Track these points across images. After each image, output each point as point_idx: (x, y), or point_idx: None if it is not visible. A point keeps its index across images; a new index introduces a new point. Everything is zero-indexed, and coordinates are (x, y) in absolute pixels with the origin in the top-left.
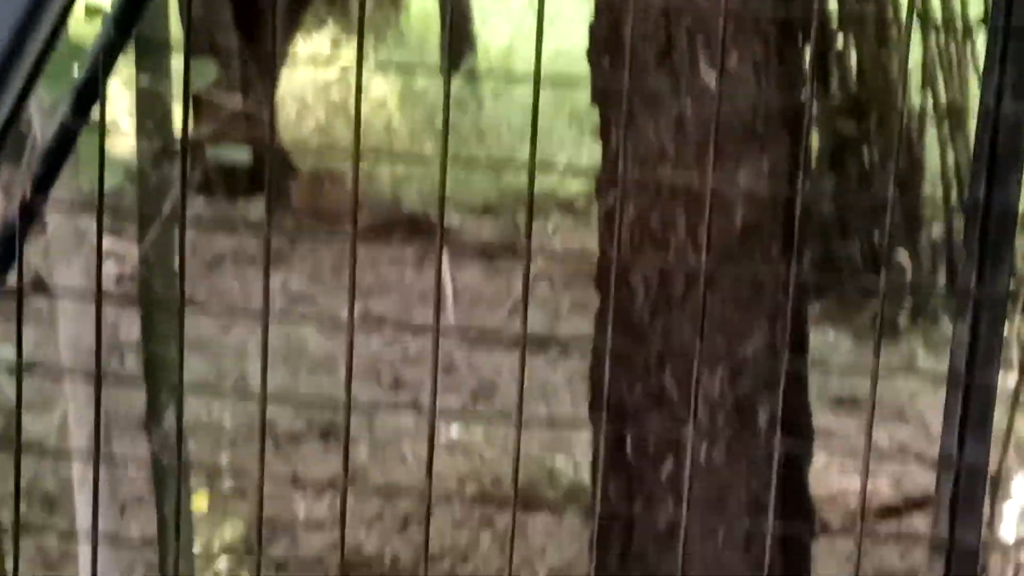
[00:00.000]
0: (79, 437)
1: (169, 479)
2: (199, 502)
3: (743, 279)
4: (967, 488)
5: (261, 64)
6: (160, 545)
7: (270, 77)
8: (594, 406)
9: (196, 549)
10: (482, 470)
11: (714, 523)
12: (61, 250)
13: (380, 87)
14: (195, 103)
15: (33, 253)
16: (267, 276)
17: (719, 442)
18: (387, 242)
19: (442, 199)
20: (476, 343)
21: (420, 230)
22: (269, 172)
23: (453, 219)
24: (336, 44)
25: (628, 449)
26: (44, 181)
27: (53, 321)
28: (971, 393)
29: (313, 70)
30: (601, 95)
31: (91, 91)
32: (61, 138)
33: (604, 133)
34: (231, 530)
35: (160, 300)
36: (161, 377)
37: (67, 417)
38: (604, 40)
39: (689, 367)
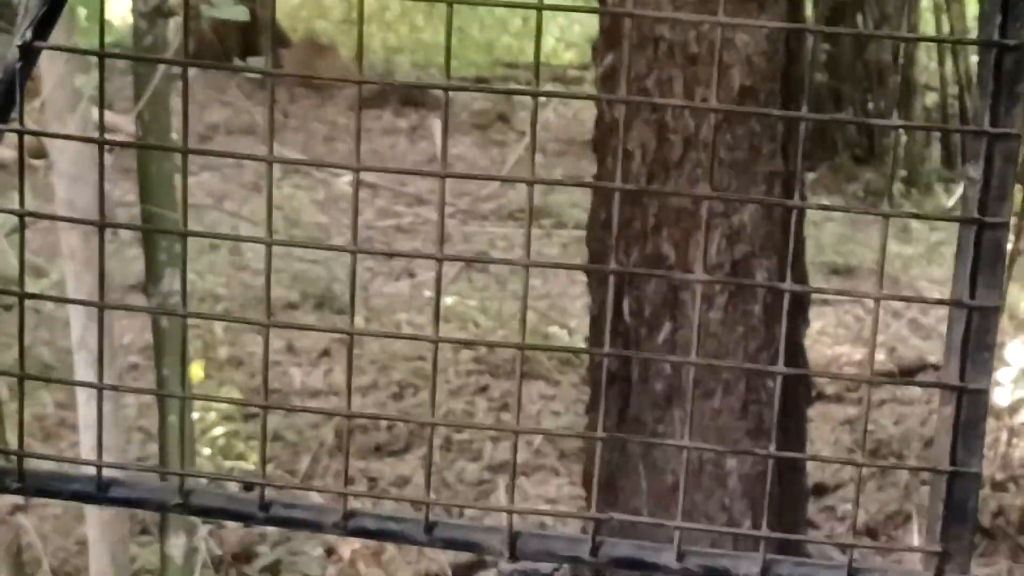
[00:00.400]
0: (77, 297)
1: (168, 342)
2: (195, 371)
3: (740, 142)
4: (979, 330)
5: None
6: (160, 408)
7: None
8: (592, 272)
9: (194, 416)
10: (475, 337)
11: (712, 386)
12: (57, 111)
13: None
14: None
15: (28, 114)
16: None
17: (716, 305)
18: (380, 111)
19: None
20: (469, 214)
21: (412, 101)
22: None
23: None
24: None
25: (625, 314)
26: (45, 22)
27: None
28: (983, 233)
29: None
30: None
31: None
32: None
33: None
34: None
35: (156, 164)
36: (159, 239)
37: (65, 280)
38: None
39: (686, 231)
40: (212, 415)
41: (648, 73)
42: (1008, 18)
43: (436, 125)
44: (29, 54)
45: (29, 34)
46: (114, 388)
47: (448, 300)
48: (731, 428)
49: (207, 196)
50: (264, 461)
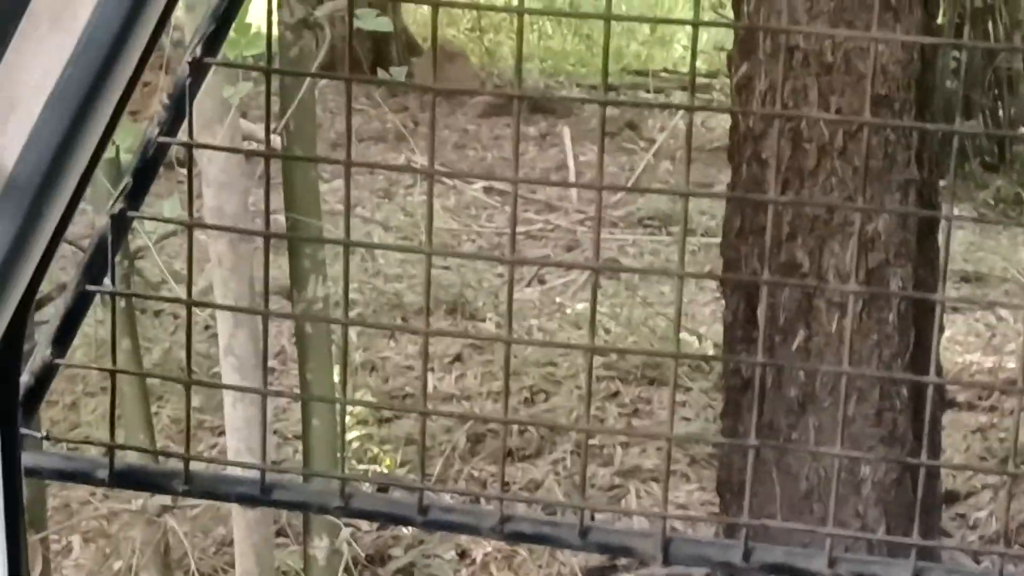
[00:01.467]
0: (224, 303)
1: (313, 347)
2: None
3: (875, 151)
4: None
5: None
6: (303, 412)
7: None
8: (726, 279)
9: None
10: (607, 344)
11: (846, 392)
12: (206, 120)
13: None
14: None
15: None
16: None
17: (851, 313)
18: (509, 118)
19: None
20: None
21: (542, 108)
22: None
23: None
24: None
25: (759, 321)
26: (214, 39)
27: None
28: None
29: None
30: None
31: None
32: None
33: (736, 3)
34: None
35: (301, 173)
36: (302, 247)
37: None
38: None
39: (821, 238)
40: (346, 419)
41: (783, 82)
42: None
43: (566, 133)
44: (199, 70)
45: (199, 51)
46: (278, 394)
47: (579, 307)
48: (865, 435)
49: (339, 203)
50: (424, 467)
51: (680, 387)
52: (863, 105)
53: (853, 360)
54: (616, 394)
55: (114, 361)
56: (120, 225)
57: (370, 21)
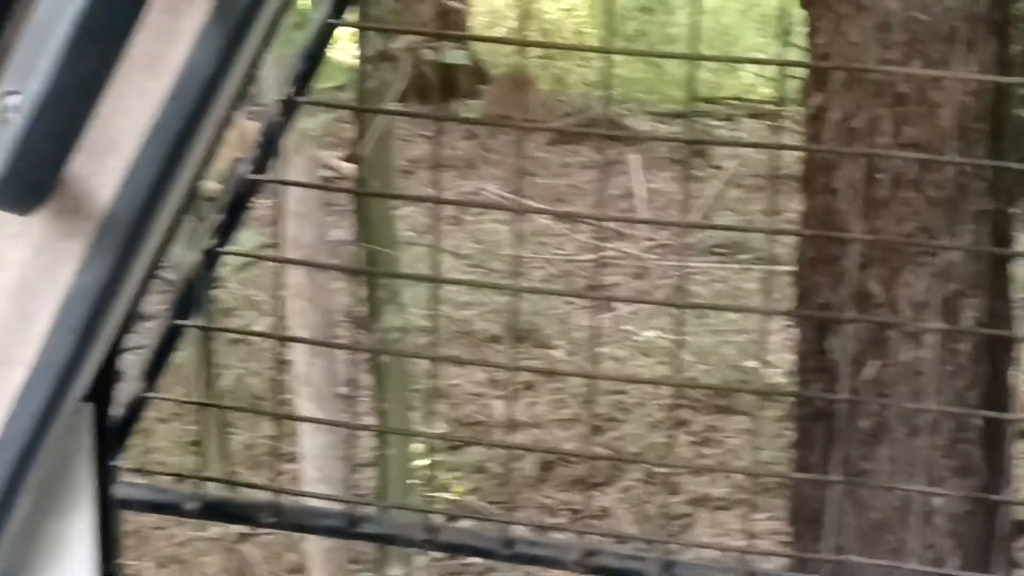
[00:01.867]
0: (301, 334)
1: (389, 377)
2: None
3: (949, 181)
4: None
5: None
6: (379, 437)
7: None
8: (799, 308)
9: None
10: (677, 373)
11: (919, 424)
12: (283, 152)
13: None
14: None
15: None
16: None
17: (924, 344)
18: (578, 146)
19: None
20: (669, 248)
21: (612, 134)
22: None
23: (644, 124)
24: None
25: (831, 351)
26: (304, 78)
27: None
28: None
29: None
30: None
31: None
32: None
33: (811, 35)
34: (432, 430)
35: (376, 204)
36: (379, 276)
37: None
38: None
39: (894, 269)
40: (418, 446)
41: (856, 113)
42: None
43: (634, 160)
44: (290, 108)
45: (292, 89)
46: (365, 428)
47: (649, 334)
48: (938, 466)
49: (409, 229)
50: (505, 498)
51: (751, 415)
52: (937, 135)
53: (927, 390)
54: (685, 422)
55: (204, 395)
56: (210, 261)
57: (449, 55)
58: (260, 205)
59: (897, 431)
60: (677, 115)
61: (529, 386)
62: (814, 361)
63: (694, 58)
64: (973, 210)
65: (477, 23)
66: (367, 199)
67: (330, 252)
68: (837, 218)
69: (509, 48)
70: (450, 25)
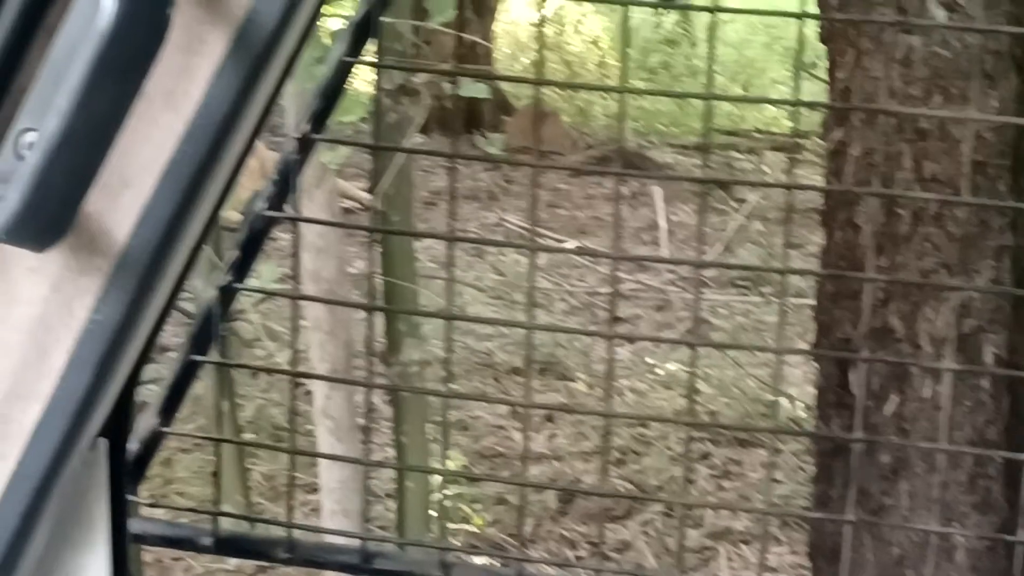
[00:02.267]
0: (321, 367)
1: (407, 410)
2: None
3: (970, 217)
4: None
5: (478, 3)
6: (399, 474)
7: (487, 15)
8: (819, 343)
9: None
10: (698, 406)
11: (938, 459)
12: (304, 185)
13: (594, 24)
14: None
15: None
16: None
17: (944, 379)
18: (601, 178)
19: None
20: (690, 281)
21: (634, 167)
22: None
23: (667, 157)
24: None
25: (852, 386)
26: (321, 116)
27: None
28: None
29: (527, 8)
30: (828, 33)
31: (364, 29)
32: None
33: (831, 70)
34: (453, 462)
35: (398, 238)
36: (397, 312)
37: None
38: None
39: (915, 304)
40: (437, 477)
41: (877, 148)
42: None
43: (657, 192)
44: (306, 145)
45: (308, 127)
46: (380, 465)
47: (671, 367)
48: (958, 502)
49: (430, 261)
50: (520, 532)
51: (771, 448)
52: (958, 171)
53: (946, 426)
54: (707, 456)
55: (218, 430)
56: (227, 297)
57: (469, 88)
58: (280, 237)
59: (917, 466)
60: (700, 147)
61: (550, 418)
62: (834, 396)
63: (705, 97)
64: (994, 245)
65: (501, 55)
66: (389, 235)
67: (350, 285)
68: (858, 253)
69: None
70: (474, 57)
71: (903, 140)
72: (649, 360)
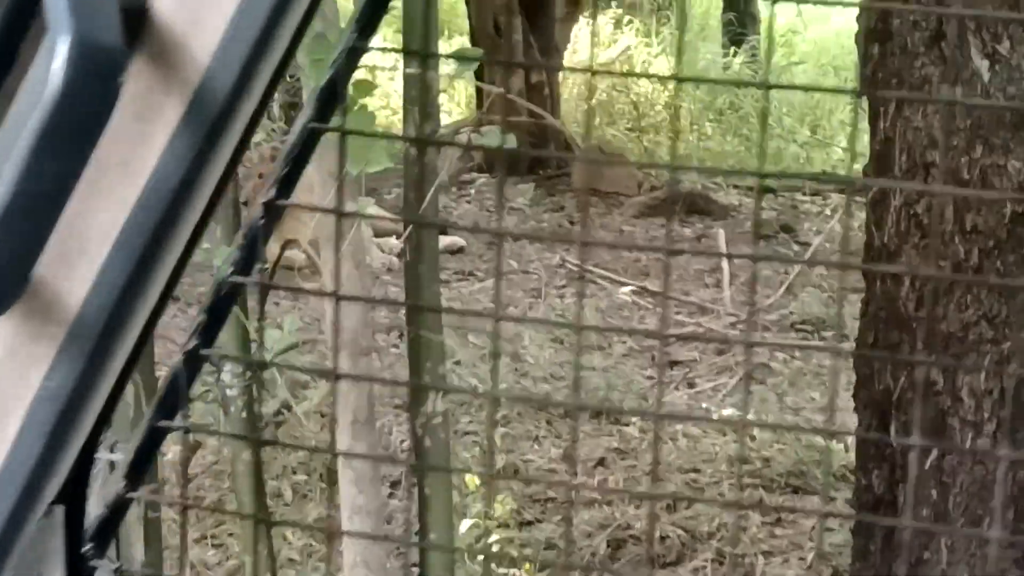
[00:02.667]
0: (344, 418)
1: (431, 460)
2: (471, 479)
3: (1012, 268)
4: None
5: (542, 45)
6: (421, 522)
7: (552, 55)
8: (860, 394)
9: (467, 524)
10: (750, 451)
11: (979, 513)
12: (328, 234)
13: (662, 65)
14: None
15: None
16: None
17: (984, 432)
18: (665, 220)
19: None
20: (752, 325)
21: (698, 209)
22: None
23: (732, 199)
24: (618, 24)
25: (892, 437)
26: (287, 181)
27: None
28: None
29: (595, 50)
30: (869, 82)
31: (331, 95)
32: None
33: (872, 120)
34: (501, 506)
35: (425, 287)
36: (423, 362)
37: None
38: (874, 27)
39: (955, 356)
40: (487, 522)
41: (919, 199)
42: None
43: (721, 235)
44: (272, 212)
45: (274, 192)
46: (396, 541)
47: (726, 412)
48: (999, 557)
49: (491, 302)
50: None
51: (824, 496)
52: (999, 223)
53: (987, 479)
54: (759, 502)
55: (183, 497)
56: (193, 363)
57: (491, 137)
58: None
59: (956, 519)
60: (766, 189)
61: (601, 462)
62: (874, 448)
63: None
64: None
65: (569, 94)
66: (415, 284)
67: (373, 337)
68: (898, 304)
69: (598, 120)
70: (539, 99)
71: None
72: (705, 404)
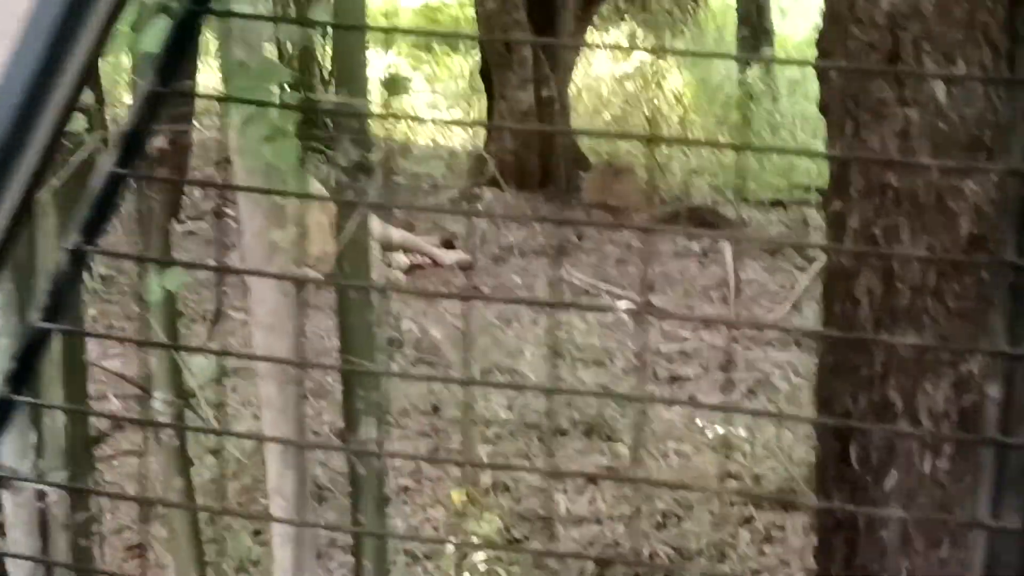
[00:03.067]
0: (273, 445)
1: (366, 485)
2: (456, 497)
3: (969, 291)
4: None
5: (553, 58)
6: (355, 549)
7: (563, 70)
8: (820, 416)
9: (454, 543)
10: (742, 468)
11: (939, 536)
12: (255, 262)
13: (676, 81)
14: (490, 101)
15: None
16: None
17: (943, 454)
18: (673, 234)
19: None
20: (754, 340)
21: (705, 222)
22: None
23: (742, 212)
24: (632, 37)
25: (853, 460)
26: (92, 227)
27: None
28: None
29: (609, 63)
30: (826, 103)
31: (137, 140)
32: (109, 186)
33: (830, 142)
34: (488, 524)
35: (356, 312)
36: (355, 389)
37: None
38: (830, 49)
39: (913, 378)
40: (473, 540)
41: (875, 220)
42: None
43: (727, 248)
44: (77, 259)
45: (79, 238)
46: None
47: (720, 430)
48: None
49: (495, 316)
50: None
51: (813, 514)
52: (956, 245)
53: (946, 503)
54: (750, 519)
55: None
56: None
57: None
58: (232, 317)
59: (917, 543)
60: (776, 203)
61: (592, 480)
62: (834, 471)
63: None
64: (995, 320)
65: (582, 109)
66: (347, 308)
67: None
68: (857, 327)
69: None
70: (549, 114)
71: (901, 213)
72: (700, 422)
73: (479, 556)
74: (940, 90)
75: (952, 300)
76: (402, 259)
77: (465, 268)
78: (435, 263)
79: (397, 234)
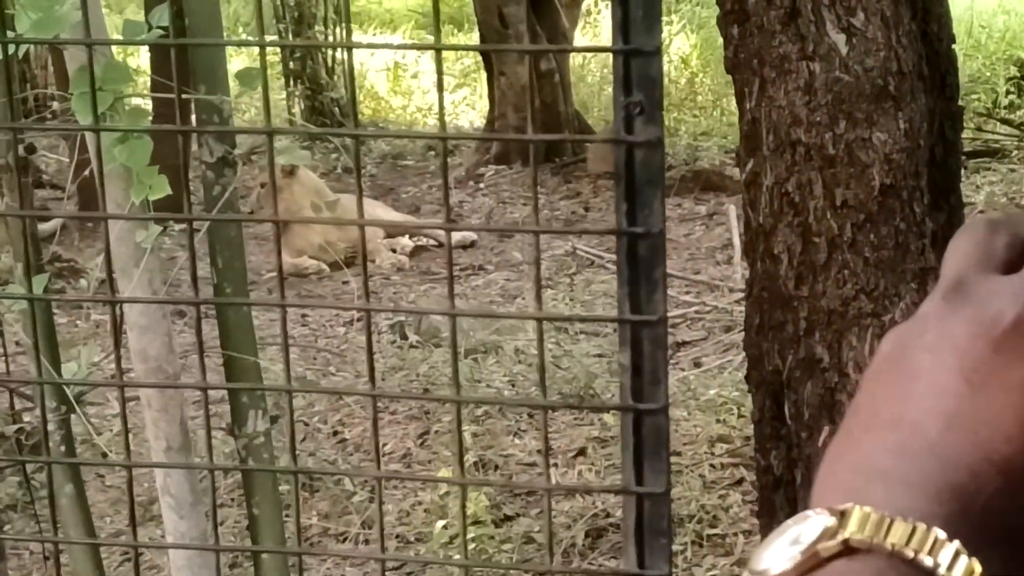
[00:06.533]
0: (157, 445)
1: (257, 482)
2: (444, 474)
3: (886, 241)
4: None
5: (549, 32)
6: (252, 542)
7: (561, 42)
8: (751, 376)
9: (442, 522)
10: (733, 431)
11: None
12: (121, 264)
13: (683, 44)
14: (490, 77)
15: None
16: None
17: None
18: (680, 198)
19: None
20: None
21: (712, 186)
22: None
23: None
24: None
25: (787, 417)
26: None
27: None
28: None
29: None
30: (732, 63)
31: None
32: None
33: (739, 100)
34: (476, 503)
35: (234, 309)
36: (241, 380)
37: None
38: (731, 9)
39: (838, 332)
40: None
41: (788, 177)
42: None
43: (732, 211)
44: None
45: None
46: (229, 549)
47: (711, 392)
48: None
49: (500, 294)
50: None
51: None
52: (869, 196)
53: None
54: (740, 481)
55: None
56: None
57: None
58: (101, 321)
59: None
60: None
61: (582, 452)
62: (769, 429)
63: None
64: (914, 268)
65: (587, 80)
66: (223, 305)
67: (179, 360)
68: (779, 284)
69: (608, 103)
70: (551, 87)
71: (812, 168)
72: (694, 386)
73: (471, 532)
74: (841, 42)
75: (869, 251)
76: (406, 241)
77: (467, 247)
78: (439, 244)
79: (399, 217)
